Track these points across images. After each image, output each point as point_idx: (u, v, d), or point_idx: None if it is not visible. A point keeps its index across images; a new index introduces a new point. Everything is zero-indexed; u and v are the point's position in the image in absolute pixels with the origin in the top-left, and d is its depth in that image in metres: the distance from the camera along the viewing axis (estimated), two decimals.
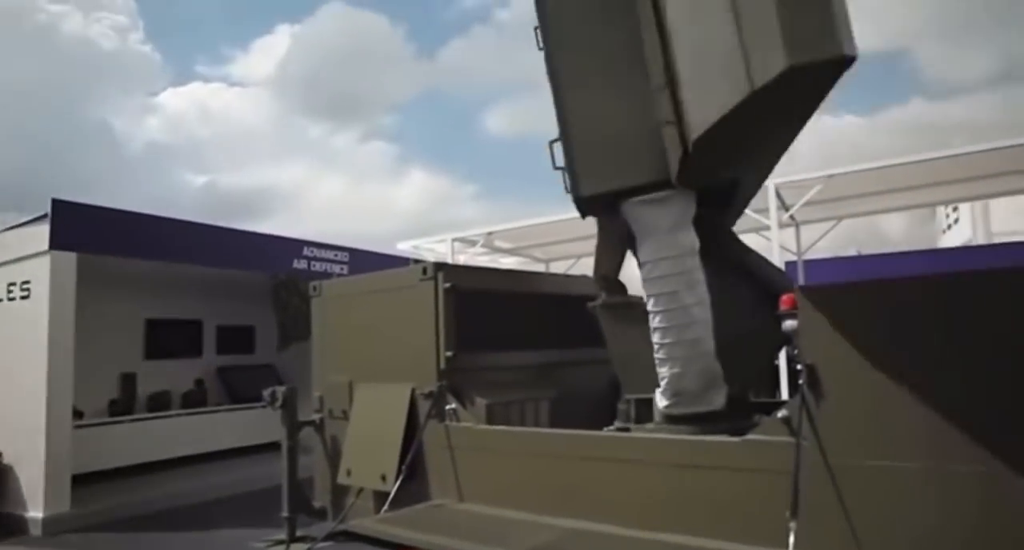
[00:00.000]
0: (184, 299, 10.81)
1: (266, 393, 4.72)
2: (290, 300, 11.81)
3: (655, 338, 3.19)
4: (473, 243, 13.68)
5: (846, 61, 2.17)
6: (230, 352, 11.71)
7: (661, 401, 3.24)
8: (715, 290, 3.21)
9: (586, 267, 10.16)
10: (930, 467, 2.18)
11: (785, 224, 11.34)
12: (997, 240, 19.50)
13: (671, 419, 3.21)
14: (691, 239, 3.16)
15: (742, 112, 2.40)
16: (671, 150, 2.85)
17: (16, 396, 7.18)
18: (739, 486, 2.61)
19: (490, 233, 13.22)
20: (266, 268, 10.29)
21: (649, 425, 3.33)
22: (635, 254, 3.41)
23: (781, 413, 2.53)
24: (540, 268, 14.97)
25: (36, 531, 6.81)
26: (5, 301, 7.66)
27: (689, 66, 2.75)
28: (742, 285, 3.43)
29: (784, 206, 10.45)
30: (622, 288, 3.72)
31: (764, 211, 9.68)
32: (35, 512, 6.94)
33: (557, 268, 14.50)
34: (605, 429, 3.50)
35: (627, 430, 3.44)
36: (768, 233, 9.94)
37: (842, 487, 2.32)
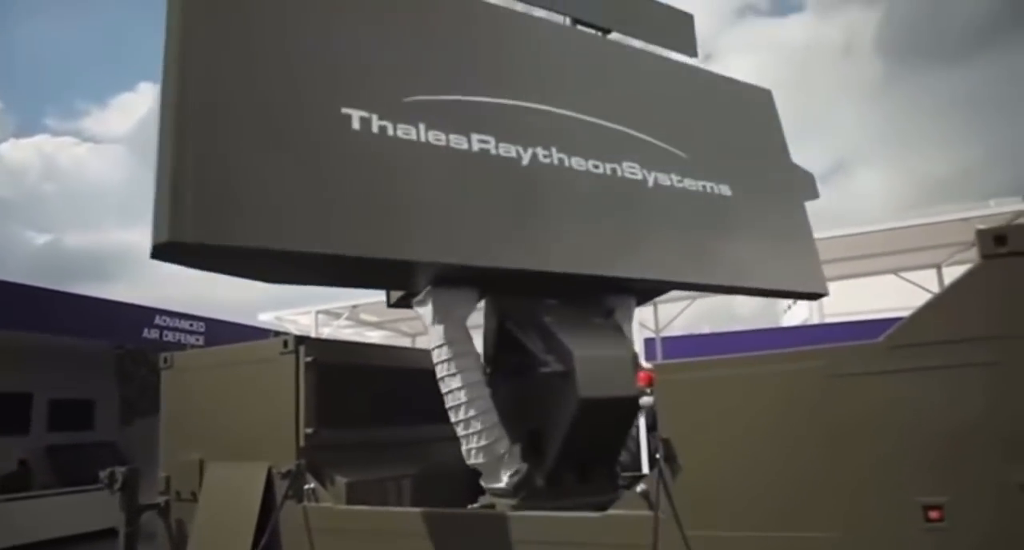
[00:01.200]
0: (10, 370, 9.86)
1: (103, 474, 4.36)
2: (137, 372, 11.06)
3: (449, 417, 3.49)
4: (338, 316, 13.44)
5: None
6: (64, 429, 10.71)
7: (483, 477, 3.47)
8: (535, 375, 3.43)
9: None
10: (786, 536, 2.32)
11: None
12: (829, 320, 21.38)
13: (490, 492, 3.43)
14: (451, 329, 3.50)
15: None
16: None
17: None
18: None
19: (355, 306, 13.05)
20: (111, 337, 9.65)
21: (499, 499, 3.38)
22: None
23: (640, 487, 2.62)
24: (406, 342, 14.86)
25: None
26: None
27: None
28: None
29: None
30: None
31: None
32: None
33: (423, 343, 14.43)
34: (470, 506, 3.48)
35: (492, 507, 3.43)
36: None
37: None
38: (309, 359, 3.77)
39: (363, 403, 4.14)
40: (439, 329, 3.49)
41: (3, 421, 9.98)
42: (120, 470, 4.32)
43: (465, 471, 4.06)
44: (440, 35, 3.53)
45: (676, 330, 14.58)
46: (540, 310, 3.61)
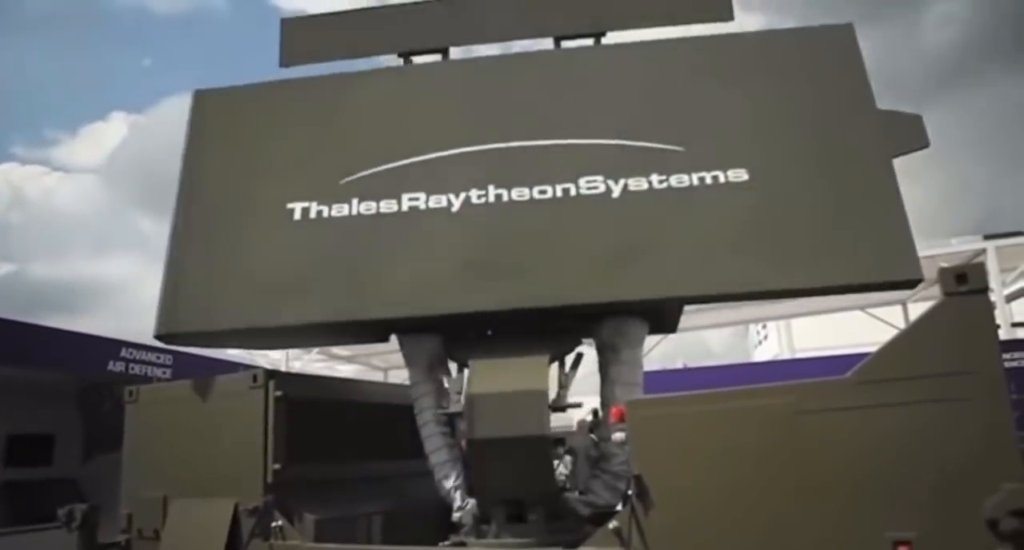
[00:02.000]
0: None
1: (61, 512, 4.24)
2: (100, 405, 10.79)
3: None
4: (309, 350, 13.30)
5: None
6: (22, 464, 10.40)
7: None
8: None
9: None
10: None
11: None
12: (800, 354, 21.59)
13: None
14: (416, 373, 3.81)
15: None
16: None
17: None
18: None
19: None
20: (73, 369, 9.44)
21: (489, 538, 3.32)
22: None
23: (612, 524, 2.61)
24: (379, 376, 14.73)
25: None
26: None
27: None
28: None
29: None
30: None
31: None
32: None
33: (396, 377, 14.33)
34: (440, 544, 3.43)
35: (463, 544, 3.39)
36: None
37: None
38: (279, 393, 3.72)
39: (333, 438, 4.08)
40: (408, 371, 3.83)
41: None
42: (79, 508, 4.20)
43: (435, 507, 4.02)
44: (369, 111, 3.90)
45: (652, 364, 14.64)
46: (475, 348, 3.60)
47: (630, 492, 2.59)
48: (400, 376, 14.03)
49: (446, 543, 3.48)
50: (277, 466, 3.64)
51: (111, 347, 9.20)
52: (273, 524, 3.58)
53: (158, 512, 4.06)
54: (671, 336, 13.58)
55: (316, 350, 13.11)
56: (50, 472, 10.65)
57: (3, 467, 10.19)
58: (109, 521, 4.33)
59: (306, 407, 3.87)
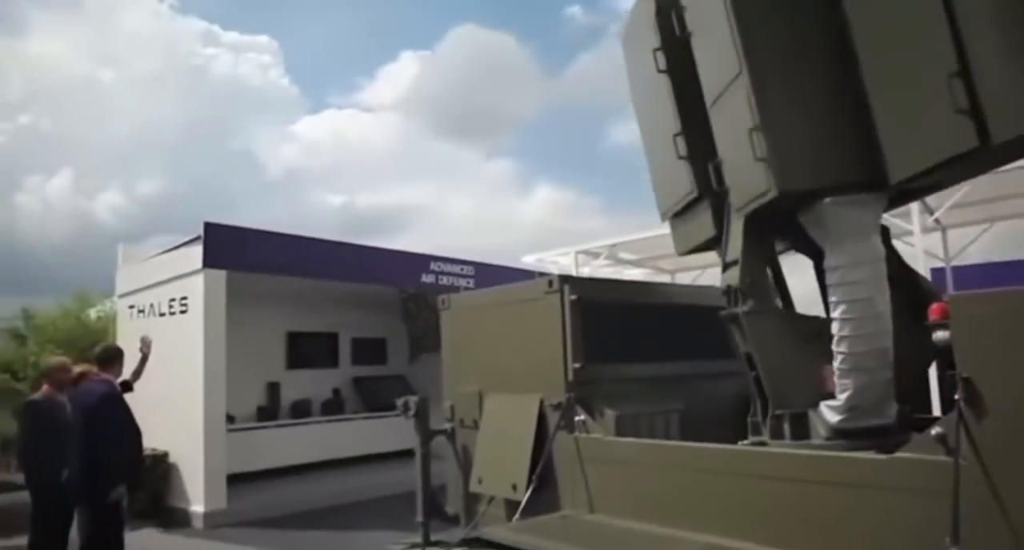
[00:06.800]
0: (322, 313, 11.39)
1: (399, 402, 4.90)
2: (419, 313, 12.17)
3: (842, 347, 3.04)
4: (597, 255, 13.64)
5: None
6: (364, 363, 12.21)
7: (832, 415, 3.09)
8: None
9: (713, 278, 9.87)
10: None
11: (929, 228, 10.65)
12: None
13: (844, 434, 3.05)
14: (880, 244, 3.09)
15: None
16: (959, 141, 2.51)
17: (178, 402, 7.79)
18: (887, 507, 2.47)
19: (614, 245, 13.15)
20: (397, 283, 10.69)
21: (815, 440, 3.17)
22: (814, 258, 3.46)
23: (935, 430, 2.38)
24: (666, 279, 14.73)
25: (198, 524, 7.38)
26: (167, 315, 8.36)
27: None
28: (897, 294, 3.23)
29: (928, 210, 9.81)
30: (768, 296, 3.55)
31: (905, 215, 9.14)
32: (197, 507, 7.52)
33: (683, 279, 14.24)
34: (740, 443, 3.41)
35: (763, 445, 3.33)
36: (911, 239, 9.37)
37: (1009, 510, 2.16)
38: (574, 297, 3.88)
39: (629, 338, 4.19)
40: (872, 242, 3.06)
41: (320, 357, 11.63)
42: (413, 399, 4.83)
43: (731, 408, 3.98)
44: None
45: (972, 257, 12.84)
46: None
47: (956, 397, 2.32)
48: (686, 278, 13.91)
49: (745, 442, 3.44)
50: (577, 365, 3.84)
51: (423, 262, 10.18)
52: (576, 418, 3.81)
53: (475, 405, 4.53)
54: (997, 224, 11.77)
55: (604, 255, 13.40)
56: (386, 369, 12.37)
57: (351, 365, 12.05)
58: (434, 411, 4.91)
59: (601, 309, 4.00)
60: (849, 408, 3.02)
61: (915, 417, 3.23)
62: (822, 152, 3.02)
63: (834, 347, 3.06)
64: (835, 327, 3.07)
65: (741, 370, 3.55)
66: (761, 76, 3.05)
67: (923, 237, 9.64)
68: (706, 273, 13.20)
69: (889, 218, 7.39)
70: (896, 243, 3.44)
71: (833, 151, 3.00)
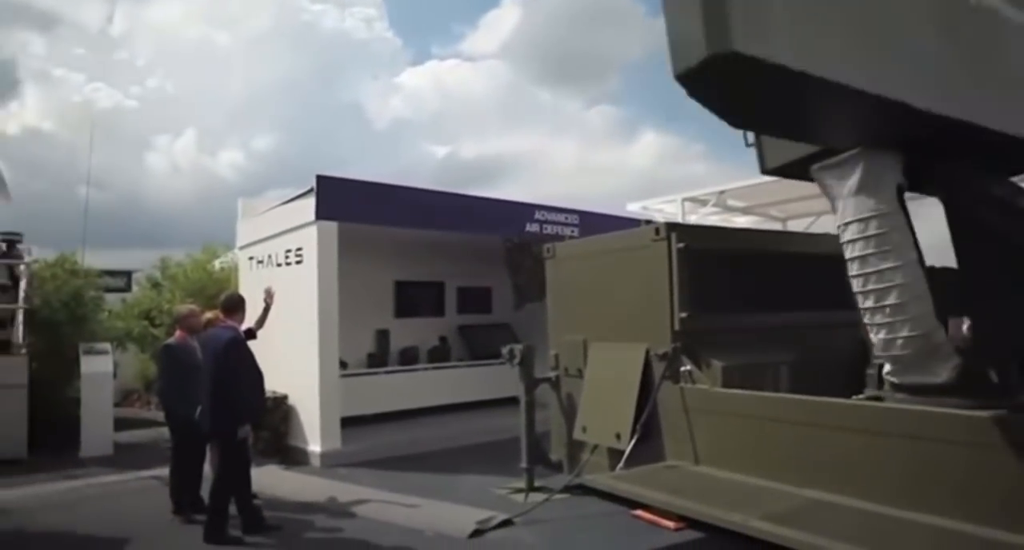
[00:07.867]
0: (428, 263, 11.62)
1: (504, 350, 4.97)
2: (523, 262, 12.19)
3: (858, 302, 3.11)
4: (704, 203, 13.23)
5: None
6: (469, 312, 12.42)
7: (885, 367, 3.11)
8: (963, 257, 2.91)
9: (827, 225, 9.39)
10: None
11: None
12: None
13: (894, 387, 3.02)
14: (882, 201, 2.94)
15: None
16: None
17: (295, 348, 8.19)
18: (1015, 469, 2.32)
19: (722, 192, 12.70)
20: (501, 232, 10.71)
21: (899, 394, 3.05)
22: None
23: None
24: (777, 227, 14.15)
25: (315, 463, 7.82)
26: (284, 266, 8.75)
27: None
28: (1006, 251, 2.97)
29: None
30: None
31: None
32: (314, 447, 7.95)
33: (795, 226, 13.64)
34: (854, 397, 3.28)
35: (879, 399, 3.19)
36: None
37: None
38: (681, 245, 3.79)
39: (736, 288, 4.07)
40: (868, 200, 2.96)
41: (427, 305, 11.93)
42: (518, 347, 4.88)
43: (845, 361, 3.81)
44: None
45: None
46: (990, 184, 3.01)
47: None
48: (799, 225, 13.33)
49: (860, 396, 3.31)
50: (684, 314, 3.77)
51: (527, 211, 10.13)
52: (682, 369, 3.75)
53: (580, 354, 4.54)
54: None
55: (711, 202, 12.98)
56: (490, 318, 12.56)
57: (456, 314, 12.30)
58: (539, 360, 4.95)
59: (708, 257, 3.89)
60: (888, 361, 3.04)
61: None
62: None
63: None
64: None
65: (856, 320, 3.38)
66: None
67: None
68: (820, 220, 12.59)
69: None
70: None
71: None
